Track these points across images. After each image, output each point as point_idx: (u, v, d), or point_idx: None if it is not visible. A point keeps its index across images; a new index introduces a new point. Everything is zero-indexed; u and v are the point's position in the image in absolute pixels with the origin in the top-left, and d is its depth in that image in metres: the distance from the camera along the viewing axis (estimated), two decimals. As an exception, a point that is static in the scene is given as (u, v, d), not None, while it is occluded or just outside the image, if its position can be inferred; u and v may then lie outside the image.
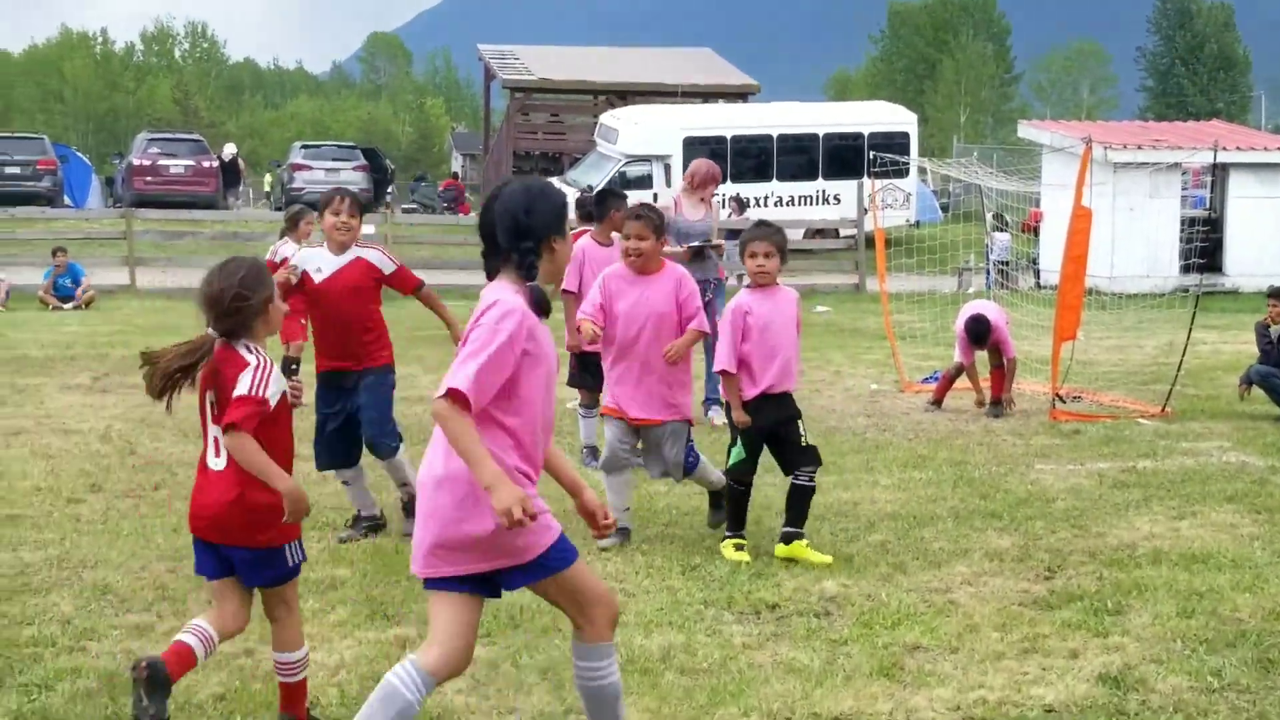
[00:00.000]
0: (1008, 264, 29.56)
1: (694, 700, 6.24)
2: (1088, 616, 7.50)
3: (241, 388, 5.52)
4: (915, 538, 9.25)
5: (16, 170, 44.41)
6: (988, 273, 29.11)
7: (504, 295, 5.03)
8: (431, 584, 5.13)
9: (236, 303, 5.63)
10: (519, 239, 5.07)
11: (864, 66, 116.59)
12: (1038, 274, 30.52)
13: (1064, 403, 14.40)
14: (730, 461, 9.00)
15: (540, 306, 5.07)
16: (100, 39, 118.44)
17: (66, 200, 45.87)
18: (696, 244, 13.35)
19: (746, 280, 9.10)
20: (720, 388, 9.29)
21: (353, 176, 46.96)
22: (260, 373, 5.58)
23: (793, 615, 7.57)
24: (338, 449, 9.22)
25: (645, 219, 9.00)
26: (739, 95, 52.99)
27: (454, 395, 4.80)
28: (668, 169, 40.35)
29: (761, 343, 8.76)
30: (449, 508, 4.98)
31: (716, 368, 8.95)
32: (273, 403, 5.59)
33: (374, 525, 9.32)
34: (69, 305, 26.02)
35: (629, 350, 8.97)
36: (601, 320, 9.05)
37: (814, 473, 8.84)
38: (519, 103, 52.56)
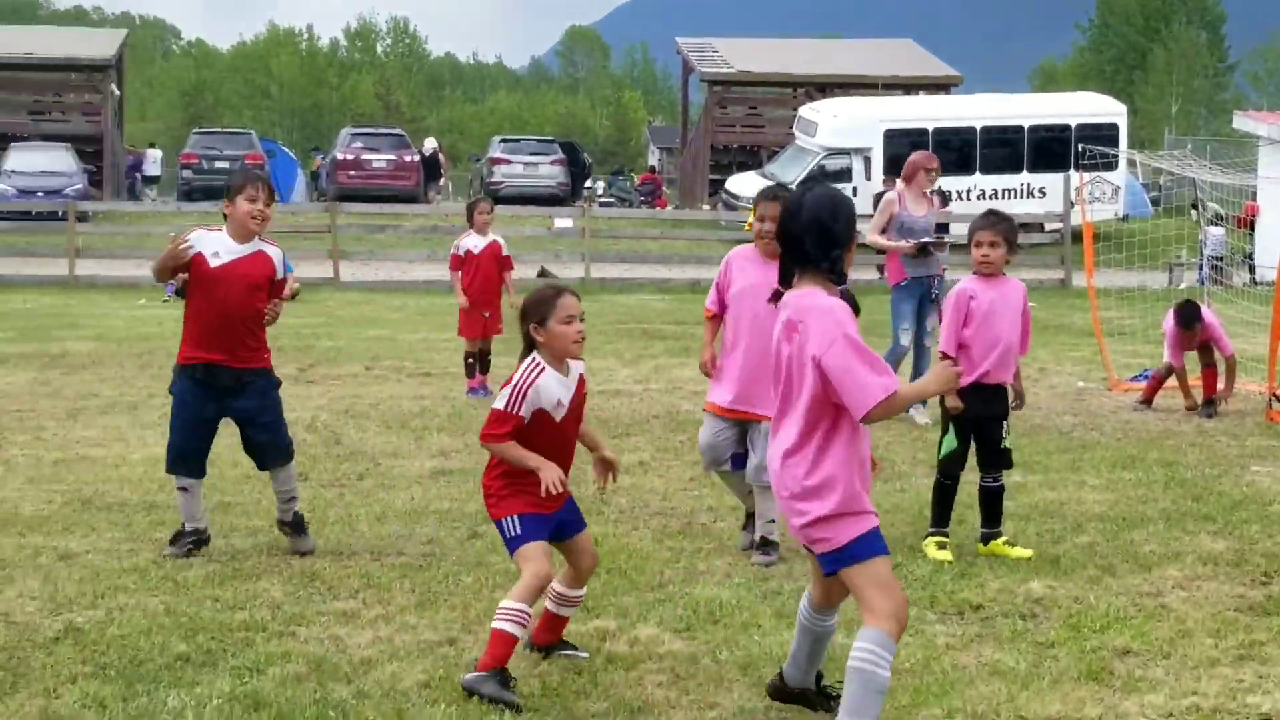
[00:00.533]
0: (1221, 259, 28.83)
1: (896, 700, 6.21)
2: (1306, 622, 7.33)
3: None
4: (1124, 540, 9.09)
5: (225, 165, 45.69)
6: (1200, 268, 28.43)
7: (827, 300, 5.46)
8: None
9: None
10: (829, 246, 5.48)
11: (1071, 56, 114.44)
12: (1253, 270, 29.72)
13: (1280, 403, 14.04)
14: (941, 452, 8.89)
15: (854, 308, 5.49)
16: (306, 35, 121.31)
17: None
18: (926, 240, 13.29)
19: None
20: None
21: (551, 170, 47.50)
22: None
23: (997, 616, 7.49)
24: (202, 453, 8.62)
25: (778, 200, 8.44)
26: (941, 87, 52.47)
27: (891, 395, 5.31)
28: (867, 162, 40.10)
29: (984, 329, 8.67)
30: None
31: (939, 349, 8.95)
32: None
33: (199, 541, 8.55)
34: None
35: (740, 336, 8.51)
36: (719, 307, 8.78)
37: (1001, 475, 8.83)
38: (717, 96, 52.64)
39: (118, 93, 54.85)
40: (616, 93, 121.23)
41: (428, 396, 14.76)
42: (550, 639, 6.77)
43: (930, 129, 41.18)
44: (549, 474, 6.31)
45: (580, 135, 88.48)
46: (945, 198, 34.06)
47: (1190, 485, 10.77)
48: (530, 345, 6.49)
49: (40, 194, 39.75)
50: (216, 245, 8.54)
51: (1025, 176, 40.98)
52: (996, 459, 8.77)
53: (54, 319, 22.20)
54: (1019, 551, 8.64)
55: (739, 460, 8.72)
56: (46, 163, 42.98)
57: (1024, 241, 34.97)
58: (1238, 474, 11.22)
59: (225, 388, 8.49)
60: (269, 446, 8.69)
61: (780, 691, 6.12)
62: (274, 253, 8.73)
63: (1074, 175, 30.76)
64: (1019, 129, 41.87)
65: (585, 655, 6.70)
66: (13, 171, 42.02)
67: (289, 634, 7.05)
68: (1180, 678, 6.54)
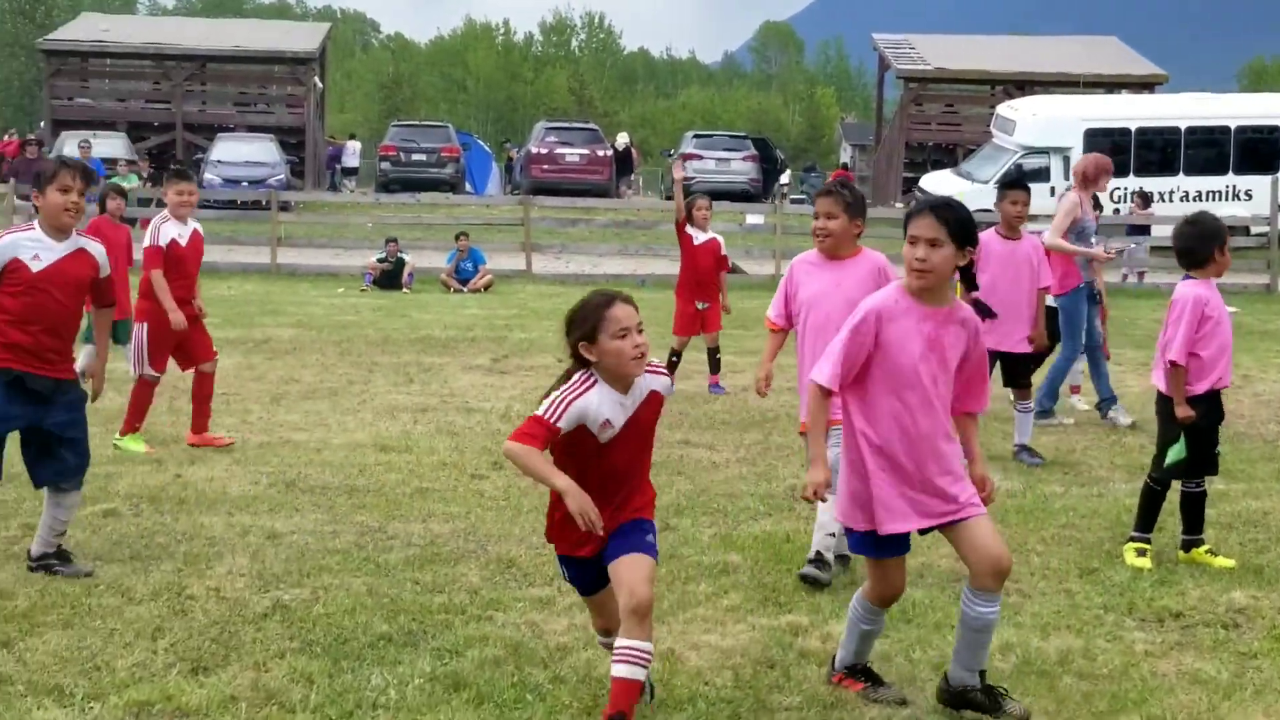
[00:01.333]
0: None
1: (1093, 705, 6.18)
2: None
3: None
4: (1331, 552, 8.91)
5: (423, 157, 46.57)
6: None
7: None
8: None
9: None
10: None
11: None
12: None
13: None
14: (1169, 460, 8.54)
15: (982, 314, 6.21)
16: (503, 30, 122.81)
17: (468, 187, 47.74)
18: (1120, 246, 13.38)
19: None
20: (1161, 379, 8.61)
21: (743, 166, 47.50)
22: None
23: (1198, 625, 7.39)
24: (52, 463, 7.89)
25: (836, 195, 8.10)
26: (1144, 85, 51.45)
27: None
28: (1066, 162, 39.39)
29: (1215, 336, 8.46)
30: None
31: (1170, 357, 8.43)
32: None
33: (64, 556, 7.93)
34: (468, 288, 27.11)
35: (813, 343, 7.87)
36: (786, 320, 8.42)
37: (1204, 480, 8.64)
38: (913, 93, 52.24)
39: (320, 85, 56.12)
40: (809, 89, 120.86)
41: (620, 389, 14.89)
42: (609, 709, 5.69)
43: (1133, 129, 40.41)
44: (574, 501, 5.51)
45: (772, 131, 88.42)
46: (1148, 199, 33.61)
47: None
48: (580, 363, 5.68)
49: (245, 184, 40.87)
50: (36, 247, 7.76)
51: (1231, 178, 39.99)
52: (1209, 463, 8.58)
53: (257, 305, 22.82)
54: (1221, 561, 8.48)
55: None
56: (251, 153, 44.15)
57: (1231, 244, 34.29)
58: None
59: (44, 396, 7.76)
60: (74, 465, 7.92)
61: (946, 694, 6.12)
62: (96, 250, 8.07)
63: (1281, 178, 30.10)
64: (1225, 129, 40.87)
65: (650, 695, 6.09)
66: (219, 161, 43.25)
67: (487, 618, 7.22)
68: (1390, 693, 6.41)
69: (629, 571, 5.63)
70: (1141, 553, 8.57)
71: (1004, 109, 43.18)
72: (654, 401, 5.80)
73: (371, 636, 6.87)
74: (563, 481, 5.52)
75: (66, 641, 6.70)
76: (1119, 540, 8.85)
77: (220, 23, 73.40)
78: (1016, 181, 12.49)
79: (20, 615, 7.04)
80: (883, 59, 55.97)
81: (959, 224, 5.88)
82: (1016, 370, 11.50)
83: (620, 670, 5.58)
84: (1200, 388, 8.41)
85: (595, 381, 5.61)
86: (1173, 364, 8.43)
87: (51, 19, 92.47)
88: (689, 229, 14.62)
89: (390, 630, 6.96)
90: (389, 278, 27.22)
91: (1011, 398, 11.75)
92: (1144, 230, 31.32)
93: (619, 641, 5.59)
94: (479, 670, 6.41)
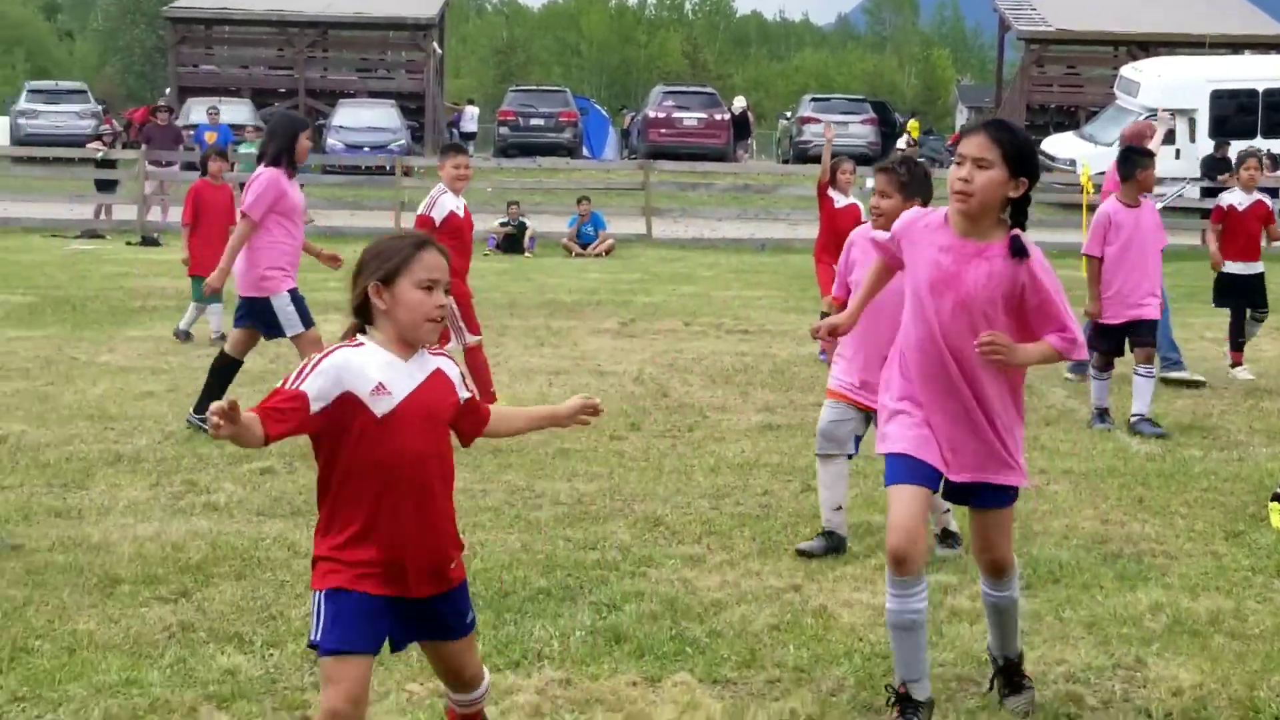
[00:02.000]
0: None
1: (1246, 665, 6.21)
2: None
3: None
4: None
5: (540, 122, 46.82)
6: None
7: None
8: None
9: None
10: None
11: None
12: None
13: None
14: None
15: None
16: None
17: (585, 151, 47.95)
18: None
19: None
20: None
21: (861, 130, 47.29)
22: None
23: (1352, 586, 7.39)
24: None
25: (890, 173, 7.78)
26: (1272, 46, 50.58)
27: None
28: (1192, 124, 38.98)
29: None
30: None
31: None
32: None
33: None
34: (589, 252, 27.31)
35: (872, 327, 7.21)
36: (845, 292, 8.04)
37: None
38: (1034, 54, 51.81)
39: (439, 51, 56.49)
40: (925, 51, 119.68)
41: (748, 353, 15.02)
42: None
43: (1261, 90, 39.82)
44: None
45: (888, 94, 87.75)
46: (1277, 162, 33.13)
47: None
48: (361, 315, 4.58)
49: (367, 149, 41.33)
50: None
51: (1363, 141, 39.32)
52: None
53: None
54: None
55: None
56: (372, 119, 44.64)
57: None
58: None
59: None
60: None
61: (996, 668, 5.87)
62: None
63: None
64: (1355, 90, 40.17)
65: None
66: (340, 127, 43.74)
67: (640, 574, 7.38)
68: None
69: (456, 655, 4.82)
70: None
71: (1128, 70, 42.71)
72: (443, 382, 4.64)
73: (530, 590, 7.05)
74: (253, 438, 4.30)
75: (241, 592, 6.96)
76: (1262, 504, 8.84)
77: (339, -11, 73.98)
78: (1253, 151, 13.07)
79: (194, 567, 7.30)
80: (1003, 20, 55.45)
81: (1014, 147, 5.25)
82: (1143, 332, 11.30)
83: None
84: None
85: (360, 343, 4.52)
86: None
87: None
88: (831, 192, 14.46)
89: (548, 585, 7.14)
90: (512, 242, 27.48)
91: (1135, 362, 11.43)
92: (1275, 193, 30.89)
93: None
94: (638, 624, 6.56)
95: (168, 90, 53.78)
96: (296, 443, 10.10)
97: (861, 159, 44.70)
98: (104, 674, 5.84)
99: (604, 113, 58.50)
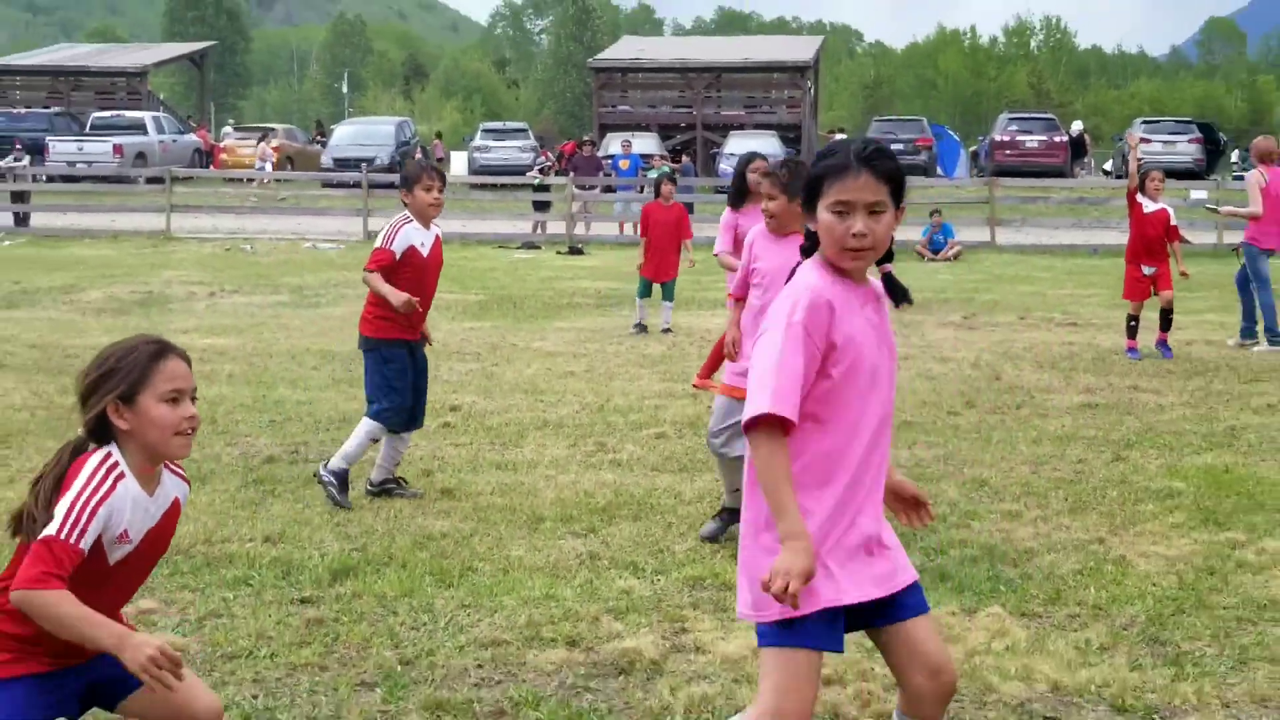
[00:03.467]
0: None
1: None
2: None
3: None
4: None
5: (900, 147, 46.32)
6: None
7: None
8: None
9: None
10: None
11: None
12: None
13: None
14: None
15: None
16: (969, 34, 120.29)
17: (939, 171, 47.39)
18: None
19: None
20: None
21: (1187, 148, 45.30)
22: None
23: None
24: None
25: (772, 175, 7.10)
26: None
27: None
28: None
29: None
30: None
31: None
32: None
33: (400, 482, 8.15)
34: (939, 257, 27.05)
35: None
36: (744, 294, 7.17)
37: None
38: (1351, 77, 48.56)
39: (813, 89, 56.65)
40: (1252, 78, 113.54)
41: (1075, 342, 14.73)
42: None
43: None
44: (135, 652, 3.30)
45: (1215, 116, 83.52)
46: None
47: None
48: (98, 433, 3.63)
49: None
50: (419, 236, 7.92)
51: None
52: None
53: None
54: None
55: None
56: (758, 147, 44.85)
57: None
58: None
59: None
60: (422, 412, 8.21)
61: None
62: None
63: None
64: None
65: None
66: (732, 154, 44.18)
67: (964, 525, 7.43)
68: None
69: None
70: None
71: None
72: (175, 511, 3.80)
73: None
74: (108, 636, 3.34)
75: (637, 531, 7.27)
76: None
77: (731, 39, 74.93)
78: None
79: (601, 510, 7.65)
80: (1322, 47, 52.16)
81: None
82: None
83: None
84: None
85: (122, 474, 3.58)
86: None
87: (597, 41, 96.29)
88: (1139, 198, 13.88)
89: (886, 532, 7.26)
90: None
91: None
92: None
93: None
94: (960, 566, 6.63)
95: (592, 128, 55.42)
96: (686, 412, 10.53)
97: (1187, 173, 43.18)
98: (529, 590, 6.24)
99: (956, 137, 57.59)
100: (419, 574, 6.42)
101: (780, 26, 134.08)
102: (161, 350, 3.64)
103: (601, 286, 21.03)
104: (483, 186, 40.34)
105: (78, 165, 40.57)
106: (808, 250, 3.75)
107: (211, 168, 46.29)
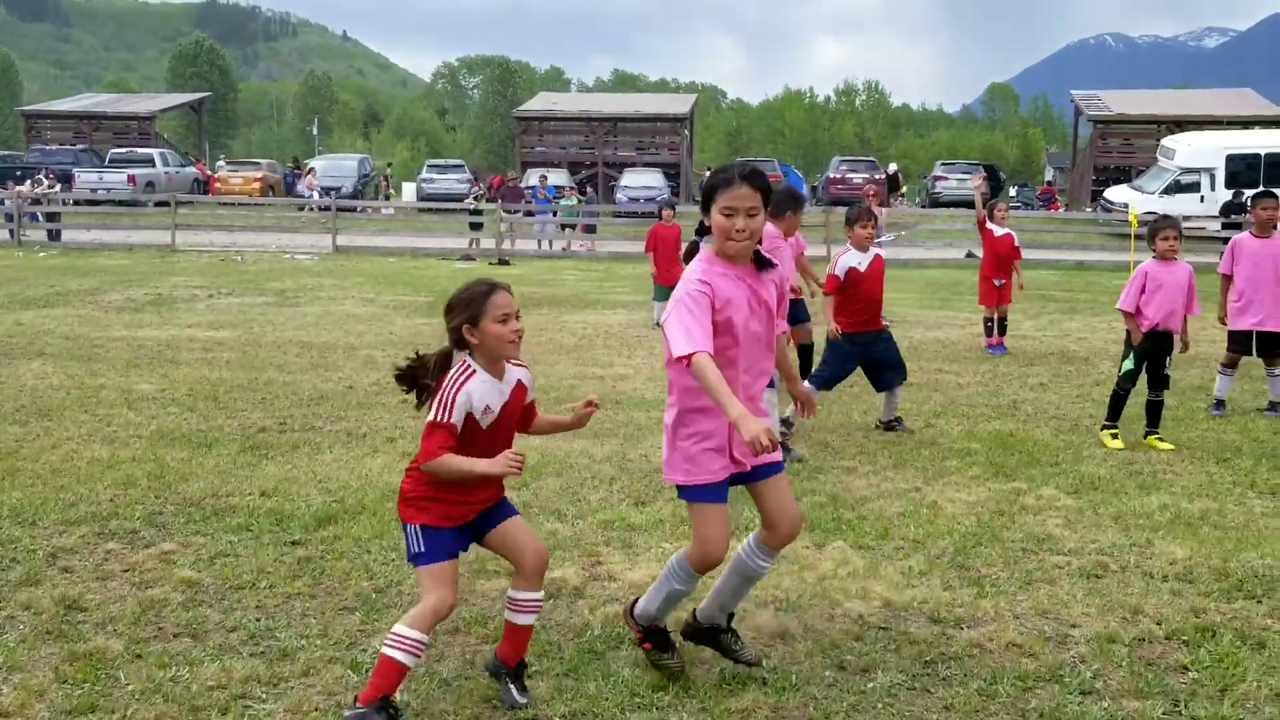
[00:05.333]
0: None
1: (1224, 546, 6.11)
2: None
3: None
4: (1404, 452, 8.44)
5: (756, 182, 46.70)
6: None
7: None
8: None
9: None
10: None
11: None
12: None
13: None
14: (1120, 371, 8.63)
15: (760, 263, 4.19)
16: (809, 93, 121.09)
17: (786, 201, 47.76)
18: None
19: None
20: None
21: (975, 183, 46.21)
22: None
23: (1302, 497, 7.15)
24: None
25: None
26: (1272, 123, 47.70)
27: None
28: (1212, 178, 37.24)
29: (1156, 296, 8.39)
30: None
31: (1118, 306, 8.63)
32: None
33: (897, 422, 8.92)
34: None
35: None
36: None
37: (1163, 393, 8.57)
38: (1100, 131, 49.79)
39: (689, 135, 56.73)
40: (1024, 129, 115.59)
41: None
42: (508, 655, 4.26)
43: (1263, 154, 37.74)
44: (500, 465, 3.89)
45: (996, 160, 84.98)
46: None
47: None
48: (460, 345, 4.08)
49: (642, 201, 41.76)
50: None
51: (1338, 188, 36.98)
52: (1160, 381, 8.52)
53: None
54: (1164, 445, 8.40)
55: None
56: (646, 181, 45.08)
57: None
58: None
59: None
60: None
61: (691, 629, 4.52)
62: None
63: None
64: (1337, 153, 37.82)
65: (524, 702, 4.17)
66: (626, 186, 44.35)
67: (813, 478, 7.43)
68: None
69: (526, 534, 4.20)
70: (1114, 436, 8.56)
71: (1167, 141, 40.87)
72: (521, 390, 4.16)
73: (736, 490, 7.17)
74: (483, 465, 3.90)
75: (559, 485, 7.21)
76: (1249, 447, 8.58)
77: (625, 95, 74.72)
78: (1268, 191, 10.41)
79: (530, 469, 7.50)
80: (1077, 108, 53.50)
81: (768, 189, 4.07)
82: (1271, 345, 9.76)
83: (525, 619, 4.21)
84: (1145, 327, 8.43)
85: (474, 370, 4.03)
86: (1123, 310, 8.57)
87: (518, 96, 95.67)
88: (989, 224, 13.62)
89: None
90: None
91: (1264, 366, 9.96)
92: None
93: (523, 595, 4.20)
94: (810, 510, 6.63)
95: (515, 165, 55.05)
96: (597, 391, 10.49)
97: (972, 204, 43.90)
98: None
99: (800, 175, 58.07)
100: (388, 520, 6.34)
101: (663, 85, 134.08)
102: (492, 288, 4.06)
103: (524, 291, 20.87)
104: (429, 210, 39.83)
105: (99, 191, 40.06)
106: (700, 232, 4.24)
107: (208, 194, 45.28)
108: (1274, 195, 10.16)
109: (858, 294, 8.84)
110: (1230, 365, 9.89)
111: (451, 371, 4.03)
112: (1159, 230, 8.49)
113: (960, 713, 4.19)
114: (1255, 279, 9.70)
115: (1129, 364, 8.56)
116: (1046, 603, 5.25)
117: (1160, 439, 8.53)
